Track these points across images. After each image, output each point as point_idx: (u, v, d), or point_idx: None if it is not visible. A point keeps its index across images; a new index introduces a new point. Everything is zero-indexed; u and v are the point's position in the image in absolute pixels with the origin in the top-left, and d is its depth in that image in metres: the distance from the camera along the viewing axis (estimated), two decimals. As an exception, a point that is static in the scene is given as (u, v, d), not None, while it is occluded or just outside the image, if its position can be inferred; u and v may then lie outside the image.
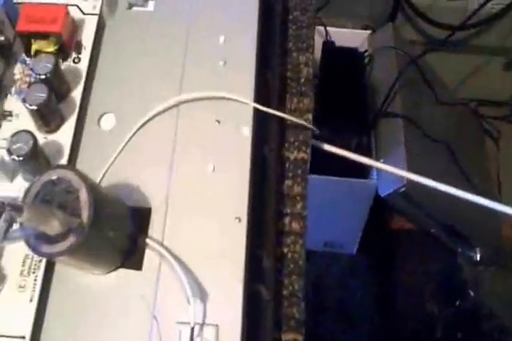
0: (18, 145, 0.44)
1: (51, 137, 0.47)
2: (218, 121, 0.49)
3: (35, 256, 0.44)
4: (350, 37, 1.11)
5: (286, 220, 0.51)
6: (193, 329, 0.41)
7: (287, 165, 0.53)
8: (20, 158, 0.43)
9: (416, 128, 1.04)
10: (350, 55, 1.06)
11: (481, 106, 1.26)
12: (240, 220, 0.46)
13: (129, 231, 0.44)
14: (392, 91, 1.02)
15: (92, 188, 0.38)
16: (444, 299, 0.86)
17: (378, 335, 0.92)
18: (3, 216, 0.37)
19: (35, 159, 0.44)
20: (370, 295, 0.96)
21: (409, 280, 0.91)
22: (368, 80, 1.05)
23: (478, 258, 1.00)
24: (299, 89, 0.56)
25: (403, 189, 0.97)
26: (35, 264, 0.44)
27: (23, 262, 0.44)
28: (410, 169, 0.99)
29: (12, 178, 0.46)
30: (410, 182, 0.93)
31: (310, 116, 0.54)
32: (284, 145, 0.54)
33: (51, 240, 0.38)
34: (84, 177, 0.38)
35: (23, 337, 0.41)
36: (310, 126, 0.52)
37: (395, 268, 0.94)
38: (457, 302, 0.86)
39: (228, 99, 0.49)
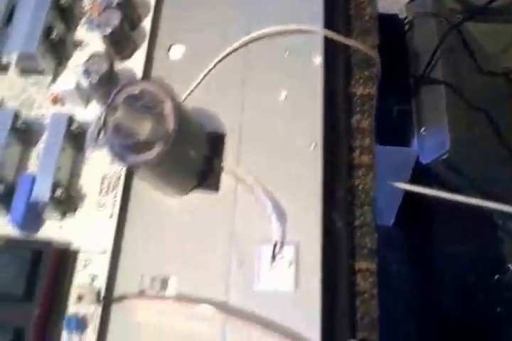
0: (95, 67, 0.44)
1: (123, 64, 0.47)
2: (289, 52, 0.48)
3: (114, 175, 0.43)
4: (390, 4, 1.11)
5: (356, 153, 0.51)
6: (275, 246, 0.41)
7: (355, 100, 0.53)
8: (96, 79, 0.43)
9: (457, 95, 1.04)
10: (391, 21, 1.06)
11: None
12: (315, 145, 0.45)
13: (206, 154, 0.44)
14: (433, 58, 1.01)
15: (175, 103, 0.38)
16: (483, 272, 0.85)
17: (416, 306, 0.91)
18: (95, 121, 0.38)
19: (111, 82, 0.44)
20: (407, 267, 0.95)
21: (448, 252, 0.90)
22: (409, 47, 1.04)
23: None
24: (363, 26, 0.55)
25: (446, 156, 0.96)
26: (114, 183, 0.43)
27: (102, 182, 0.43)
28: (452, 136, 0.98)
29: (86, 104, 0.46)
30: (453, 149, 0.93)
31: (374, 53, 0.54)
32: (350, 81, 0.53)
33: (136, 150, 0.38)
34: (168, 89, 0.38)
35: (105, 252, 0.41)
36: (377, 56, 0.52)
37: (432, 241, 0.93)
38: (496, 276, 0.85)
39: (299, 30, 0.49)
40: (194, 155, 0.42)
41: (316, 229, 0.43)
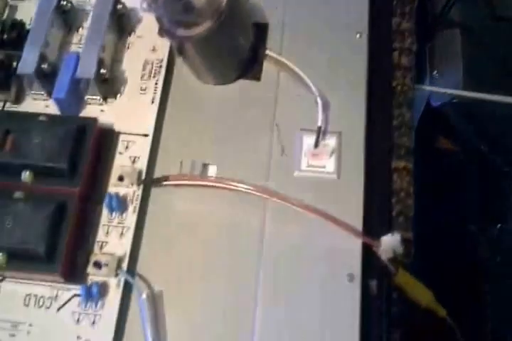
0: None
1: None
2: None
3: (155, 61, 0.43)
4: None
5: (396, 54, 0.50)
6: (319, 132, 0.41)
7: (395, 3, 0.51)
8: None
9: (473, 40, 1.01)
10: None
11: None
12: (360, 35, 0.44)
13: (252, 42, 0.43)
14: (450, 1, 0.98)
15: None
16: (486, 221, 0.85)
17: (417, 254, 0.91)
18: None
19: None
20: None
21: (451, 200, 0.89)
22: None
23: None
24: None
25: (457, 99, 0.94)
26: (156, 69, 0.43)
27: (144, 67, 0.43)
28: (465, 80, 0.96)
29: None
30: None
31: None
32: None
33: (186, 25, 0.37)
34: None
35: (147, 135, 0.41)
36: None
37: (435, 191, 0.92)
38: (498, 225, 0.85)
39: None
40: (241, 41, 0.41)
41: (359, 121, 0.42)
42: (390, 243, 0.38)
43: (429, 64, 1.03)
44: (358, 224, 0.40)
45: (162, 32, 0.38)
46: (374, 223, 0.41)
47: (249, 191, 0.39)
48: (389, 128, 0.46)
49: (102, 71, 0.40)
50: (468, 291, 0.64)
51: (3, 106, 0.42)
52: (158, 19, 0.38)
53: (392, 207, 0.44)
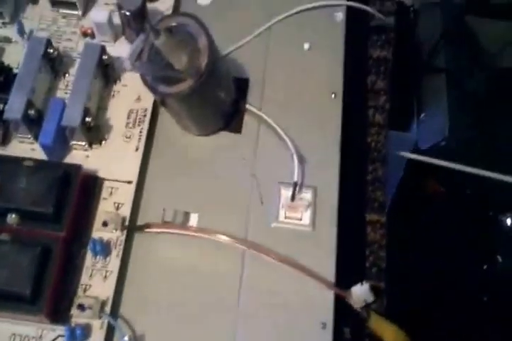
0: (127, 2, 0.48)
1: (153, 5, 0.52)
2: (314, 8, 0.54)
3: (140, 110, 0.48)
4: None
5: (370, 112, 0.56)
6: (295, 185, 0.46)
7: (370, 63, 0.58)
8: (131, 11, 0.48)
9: (458, 86, 1.09)
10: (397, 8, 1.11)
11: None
12: (335, 96, 0.51)
13: (232, 97, 0.48)
14: (436, 47, 1.07)
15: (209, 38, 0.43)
16: (473, 262, 0.92)
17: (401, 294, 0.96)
18: (140, 36, 0.42)
19: (142, 18, 0.49)
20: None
21: (439, 243, 0.97)
22: (414, 34, 1.10)
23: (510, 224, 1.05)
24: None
25: (444, 142, 1.01)
26: (140, 118, 0.48)
27: (128, 116, 0.48)
28: (451, 123, 1.04)
29: (115, 40, 0.50)
30: (452, 136, 0.99)
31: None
32: (367, 43, 0.59)
33: (168, 82, 0.43)
34: (203, 24, 0.43)
35: (130, 182, 0.46)
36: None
37: (424, 231, 0.99)
38: (485, 267, 0.92)
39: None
40: (222, 97, 0.47)
41: (333, 177, 0.48)
42: (360, 293, 0.44)
43: (417, 107, 1.11)
44: (331, 275, 0.45)
45: (148, 88, 0.43)
46: (347, 273, 0.46)
47: (228, 242, 0.45)
48: (363, 183, 0.51)
49: (88, 119, 0.45)
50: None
51: (-11, 149, 0.46)
52: (142, 76, 0.43)
53: (365, 259, 0.49)
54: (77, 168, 0.44)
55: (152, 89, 0.43)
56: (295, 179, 0.46)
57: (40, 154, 0.46)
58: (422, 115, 1.08)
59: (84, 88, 0.46)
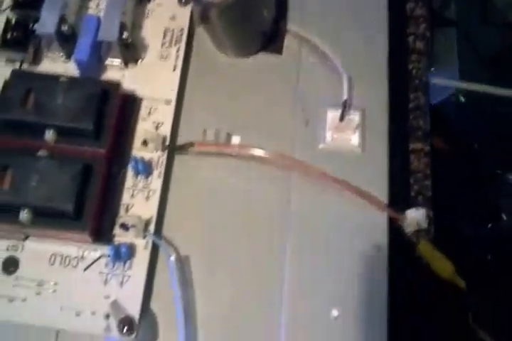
0: None
1: None
2: None
3: (176, 29, 0.46)
4: None
5: (410, 39, 0.54)
6: (345, 105, 0.44)
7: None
8: None
9: (469, 40, 1.07)
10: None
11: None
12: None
13: (273, 14, 0.46)
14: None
15: None
16: (478, 221, 0.90)
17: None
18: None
19: None
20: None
21: (442, 200, 0.94)
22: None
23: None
24: None
25: (454, 96, 1.00)
26: (176, 37, 0.46)
27: (164, 35, 0.46)
28: (462, 74, 1.02)
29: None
30: (462, 89, 0.97)
31: None
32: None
33: None
34: None
35: (169, 101, 0.44)
36: None
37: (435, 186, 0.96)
38: (489, 225, 0.90)
39: None
40: (265, 13, 0.44)
41: (383, 99, 0.46)
42: (414, 217, 0.41)
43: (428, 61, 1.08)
44: (384, 196, 0.43)
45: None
46: (397, 199, 0.43)
47: (275, 160, 0.43)
48: (406, 110, 0.49)
49: (125, 34, 0.43)
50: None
51: (20, 67, 0.44)
52: None
53: (410, 187, 0.47)
54: (116, 85, 0.42)
55: (196, 0, 0.40)
56: (344, 97, 0.44)
57: (73, 74, 0.44)
58: (432, 69, 1.05)
59: (120, 3, 0.43)
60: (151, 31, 0.46)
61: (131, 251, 0.39)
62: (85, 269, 0.39)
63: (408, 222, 0.42)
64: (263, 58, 0.47)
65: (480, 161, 1.05)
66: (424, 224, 0.43)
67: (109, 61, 0.45)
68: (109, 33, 0.42)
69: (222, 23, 0.43)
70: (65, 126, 0.39)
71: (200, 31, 0.47)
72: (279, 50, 0.47)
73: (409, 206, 0.46)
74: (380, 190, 0.43)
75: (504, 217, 1.06)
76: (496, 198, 1.03)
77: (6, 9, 0.47)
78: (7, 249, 0.39)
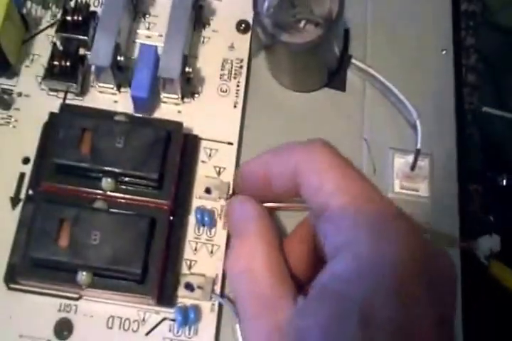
0: None
1: None
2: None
3: (235, 61, 0.41)
4: None
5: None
6: (418, 151, 0.40)
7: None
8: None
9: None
10: None
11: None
12: (446, 51, 0.44)
13: (341, 50, 0.42)
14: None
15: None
16: None
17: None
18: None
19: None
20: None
21: None
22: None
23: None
24: None
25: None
26: (236, 69, 0.41)
27: (222, 66, 0.41)
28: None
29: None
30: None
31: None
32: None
33: (288, 30, 0.37)
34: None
35: (231, 143, 0.40)
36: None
37: None
38: None
39: None
40: (336, 49, 0.40)
41: (451, 143, 0.42)
42: (488, 244, 0.40)
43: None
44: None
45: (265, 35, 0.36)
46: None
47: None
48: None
49: (188, 70, 0.38)
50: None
51: (65, 98, 0.39)
52: (259, 21, 0.37)
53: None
54: (180, 125, 0.37)
55: (273, 38, 0.36)
56: (418, 146, 0.40)
57: (124, 108, 0.40)
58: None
59: (181, 32, 0.39)
60: (208, 61, 0.42)
61: (198, 314, 0.34)
62: (147, 334, 0.34)
63: (481, 249, 0.40)
64: (325, 94, 0.43)
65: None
66: (498, 248, 0.41)
67: (166, 95, 0.39)
68: (171, 69, 0.38)
69: (293, 62, 0.39)
70: (127, 174, 0.35)
71: (258, 62, 0.43)
72: (342, 87, 0.42)
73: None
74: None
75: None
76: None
77: (45, 28, 0.41)
78: (59, 310, 0.34)
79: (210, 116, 0.40)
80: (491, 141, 0.52)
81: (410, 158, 0.40)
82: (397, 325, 0.20)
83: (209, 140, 0.39)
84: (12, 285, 0.34)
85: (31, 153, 0.37)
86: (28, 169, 0.37)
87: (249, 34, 0.42)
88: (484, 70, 0.51)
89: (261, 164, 0.28)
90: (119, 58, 0.38)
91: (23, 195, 0.37)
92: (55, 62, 0.39)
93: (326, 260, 0.23)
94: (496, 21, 0.83)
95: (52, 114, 0.38)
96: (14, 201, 0.36)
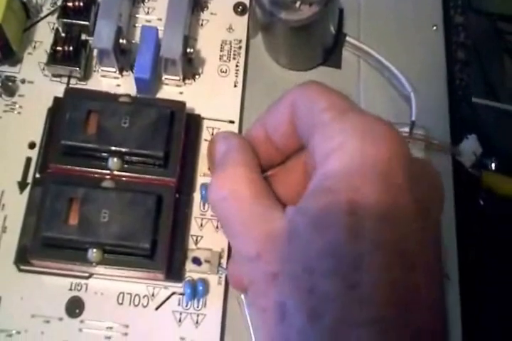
0: None
1: None
2: None
3: (233, 42, 0.41)
4: None
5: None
6: (413, 123, 0.40)
7: None
8: None
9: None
10: None
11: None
12: (437, 28, 0.44)
13: (336, 28, 0.42)
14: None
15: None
16: None
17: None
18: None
19: None
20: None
21: None
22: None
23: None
24: None
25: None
26: (235, 50, 0.41)
27: (221, 47, 0.41)
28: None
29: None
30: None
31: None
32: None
33: (285, 8, 0.37)
34: None
35: (233, 122, 0.39)
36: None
37: None
38: None
39: None
40: (332, 27, 0.40)
41: (444, 117, 0.41)
42: (468, 146, 0.41)
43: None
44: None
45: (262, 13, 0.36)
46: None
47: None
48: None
49: (189, 50, 0.38)
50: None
51: (68, 83, 0.38)
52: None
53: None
54: (183, 104, 0.37)
55: (271, 15, 0.36)
56: (413, 118, 0.40)
57: (125, 91, 0.39)
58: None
59: (181, 14, 0.39)
60: (208, 43, 0.41)
61: (206, 288, 0.34)
62: (157, 308, 0.34)
63: (465, 155, 0.41)
64: (322, 72, 0.42)
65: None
66: (480, 150, 0.41)
67: (168, 76, 0.39)
68: (173, 50, 0.37)
69: (290, 40, 0.38)
70: (133, 153, 0.34)
71: (256, 42, 0.43)
72: (338, 64, 0.42)
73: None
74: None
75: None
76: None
77: (46, 16, 0.40)
78: (70, 289, 0.34)
79: (212, 96, 0.39)
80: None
81: (406, 130, 0.40)
82: (382, 211, 0.21)
83: (211, 119, 0.39)
84: (23, 267, 0.34)
85: (37, 137, 0.37)
86: (34, 154, 0.37)
87: (246, 16, 0.42)
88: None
89: (259, 126, 0.28)
90: (121, 41, 0.38)
91: (30, 179, 0.36)
92: (58, 48, 0.38)
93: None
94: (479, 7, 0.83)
95: (56, 99, 0.37)
96: (22, 185, 0.36)
